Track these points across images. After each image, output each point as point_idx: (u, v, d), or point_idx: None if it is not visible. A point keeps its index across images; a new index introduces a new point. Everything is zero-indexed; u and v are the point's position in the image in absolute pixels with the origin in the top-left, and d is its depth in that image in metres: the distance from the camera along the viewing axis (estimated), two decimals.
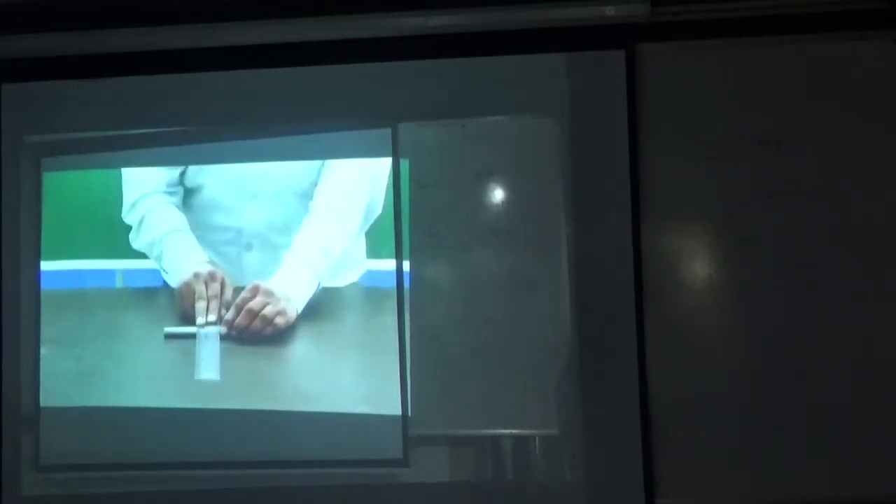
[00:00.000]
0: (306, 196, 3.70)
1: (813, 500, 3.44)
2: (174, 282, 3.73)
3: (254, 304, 3.69)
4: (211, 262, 3.72)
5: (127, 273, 3.75)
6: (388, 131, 3.65)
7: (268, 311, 3.68)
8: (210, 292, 3.70)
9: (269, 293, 3.69)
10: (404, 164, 3.64)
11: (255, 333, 3.68)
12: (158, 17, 3.71)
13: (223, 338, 3.68)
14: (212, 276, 3.72)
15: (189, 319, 3.71)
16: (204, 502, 3.62)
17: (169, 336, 3.70)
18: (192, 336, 3.69)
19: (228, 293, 3.71)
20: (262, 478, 3.59)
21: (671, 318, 3.51)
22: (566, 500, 3.52)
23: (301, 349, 3.64)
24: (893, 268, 3.48)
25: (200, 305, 3.70)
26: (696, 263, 3.55)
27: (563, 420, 3.53)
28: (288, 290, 3.69)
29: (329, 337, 3.64)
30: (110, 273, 3.76)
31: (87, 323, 3.73)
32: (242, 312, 3.68)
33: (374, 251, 3.66)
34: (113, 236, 3.75)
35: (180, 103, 3.73)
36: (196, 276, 3.72)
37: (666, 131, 3.55)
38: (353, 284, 3.66)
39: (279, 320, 3.68)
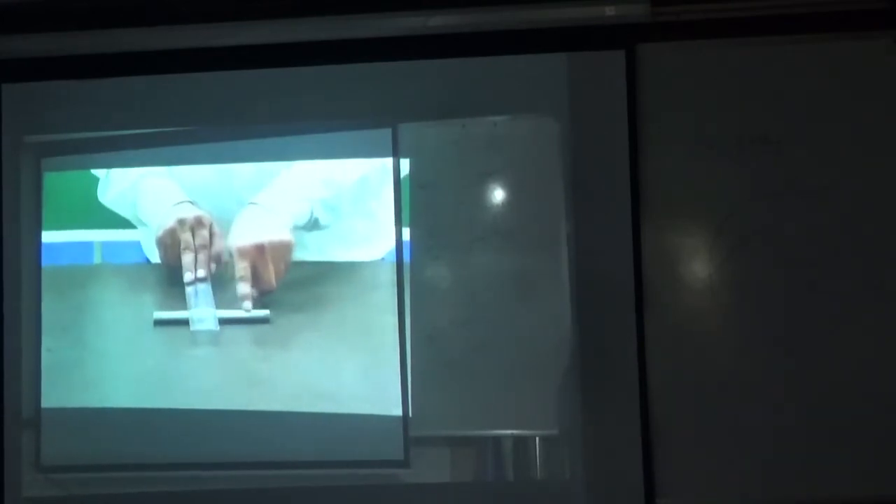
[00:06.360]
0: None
1: (813, 500, 3.44)
2: (154, 231, 3.48)
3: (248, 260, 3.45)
4: (194, 203, 3.44)
5: (105, 245, 3.55)
6: (388, 131, 3.65)
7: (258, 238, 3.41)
8: (198, 241, 3.39)
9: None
10: (404, 164, 3.64)
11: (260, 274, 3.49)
12: (158, 17, 3.71)
13: (222, 322, 3.60)
14: (199, 222, 3.40)
15: (175, 274, 3.49)
16: (204, 503, 3.63)
17: (159, 322, 3.58)
18: (186, 322, 3.59)
19: (219, 244, 3.44)
20: (262, 479, 3.59)
21: (671, 318, 3.51)
22: (566, 500, 3.53)
23: (301, 348, 3.63)
24: (893, 268, 3.48)
25: (188, 259, 3.39)
26: (696, 263, 3.55)
27: (563, 420, 3.53)
28: (275, 205, 3.44)
29: (329, 335, 3.63)
30: (87, 245, 3.54)
31: (64, 306, 3.62)
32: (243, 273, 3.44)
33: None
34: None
35: (180, 103, 3.72)
36: (180, 222, 3.41)
37: (666, 131, 3.55)
38: (381, 261, 3.61)
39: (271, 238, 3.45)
